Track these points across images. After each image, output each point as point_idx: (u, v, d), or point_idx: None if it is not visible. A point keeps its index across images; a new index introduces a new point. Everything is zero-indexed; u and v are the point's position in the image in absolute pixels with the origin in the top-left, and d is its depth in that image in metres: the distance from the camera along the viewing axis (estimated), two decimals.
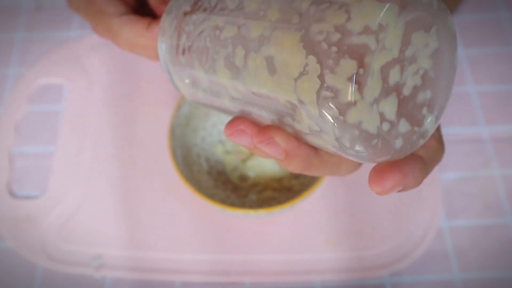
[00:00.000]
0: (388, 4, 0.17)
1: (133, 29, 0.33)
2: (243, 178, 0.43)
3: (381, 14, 0.17)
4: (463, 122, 0.46)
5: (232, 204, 0.40)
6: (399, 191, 0.21)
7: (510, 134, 0.45)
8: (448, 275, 0.39)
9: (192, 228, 0.42)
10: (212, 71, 0.22)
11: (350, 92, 0.17)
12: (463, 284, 0.39)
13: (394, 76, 0.19)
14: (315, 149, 0.22)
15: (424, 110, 0.20)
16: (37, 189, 0.44)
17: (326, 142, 0.20)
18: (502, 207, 0.42)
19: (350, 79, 0.17)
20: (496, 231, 0.41)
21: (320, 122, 0.19)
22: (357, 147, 0.19)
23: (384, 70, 0.18)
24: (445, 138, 0.45)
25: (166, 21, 0.25)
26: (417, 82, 0.20)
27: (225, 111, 0.25)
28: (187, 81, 0.25)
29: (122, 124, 0.47)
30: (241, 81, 0.21)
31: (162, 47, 0.25)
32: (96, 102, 0.48)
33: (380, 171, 0.20)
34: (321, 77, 0.18)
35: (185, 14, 0.24)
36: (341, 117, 0.18)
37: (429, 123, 0.21)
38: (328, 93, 0.18)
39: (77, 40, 0.51)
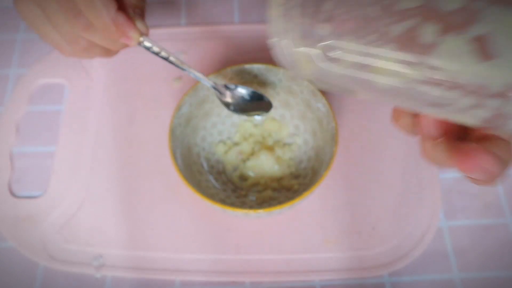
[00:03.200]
0: None
1: None
2: (243, 178, 0.44)
3: None
4: None
5: (232, 204, 0.40)
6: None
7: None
8: (447, 275, 0.39)
9: (192, 228, 0.42)
10: (378, 45, 0.19)
11: None
12: (462, 284, 0.39)
13: None
14: None
15: None
16: (38, 189, 0.44)
17: None
18: (501, 207, 0.42)
19: None
20: (495, 230, 0.41)
21: None
22: None
23: None
24: None
25: None
26: None
27: (365, 92, 0.21)
28: (318, 52, 0.21)
29: (122, 124, 0.47)
30: (419, 64, 0.17)
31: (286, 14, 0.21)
32: (97, 102, 0.48)
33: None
34: None
35: None
36: None
37: None
38: None
39: None
